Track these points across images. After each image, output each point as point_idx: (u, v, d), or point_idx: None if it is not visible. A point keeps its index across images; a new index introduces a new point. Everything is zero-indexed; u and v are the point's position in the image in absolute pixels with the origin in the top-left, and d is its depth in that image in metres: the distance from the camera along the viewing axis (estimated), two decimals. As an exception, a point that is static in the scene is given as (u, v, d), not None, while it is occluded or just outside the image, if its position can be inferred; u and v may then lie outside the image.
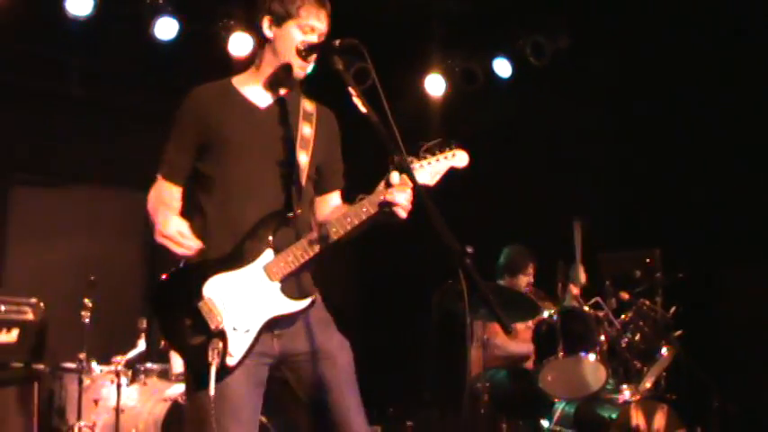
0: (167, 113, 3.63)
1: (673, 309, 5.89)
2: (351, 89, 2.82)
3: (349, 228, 3.30)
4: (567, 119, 8.17)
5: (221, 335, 3.15)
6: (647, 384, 5.62)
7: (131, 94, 8.05)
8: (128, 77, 8.27)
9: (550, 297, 6.48)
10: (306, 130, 3.48)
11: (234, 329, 3.18)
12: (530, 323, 6.06)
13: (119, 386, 6.26)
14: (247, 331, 3.20)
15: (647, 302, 5.79)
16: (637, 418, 5.33)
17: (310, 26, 3.37)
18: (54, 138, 7.98)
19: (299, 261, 3.28)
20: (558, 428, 5.66)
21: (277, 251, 3.27)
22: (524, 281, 6.56)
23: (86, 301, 6.42)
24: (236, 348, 3.17)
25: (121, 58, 8.06)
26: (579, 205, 7.94)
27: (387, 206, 3.23)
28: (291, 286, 3.32)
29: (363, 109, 2.80)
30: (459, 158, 3.53)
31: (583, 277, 6.17)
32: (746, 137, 6.94)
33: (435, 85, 8.87)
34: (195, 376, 3.19)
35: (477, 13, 8.19)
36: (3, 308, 6.04)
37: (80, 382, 6.32)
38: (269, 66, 3.45)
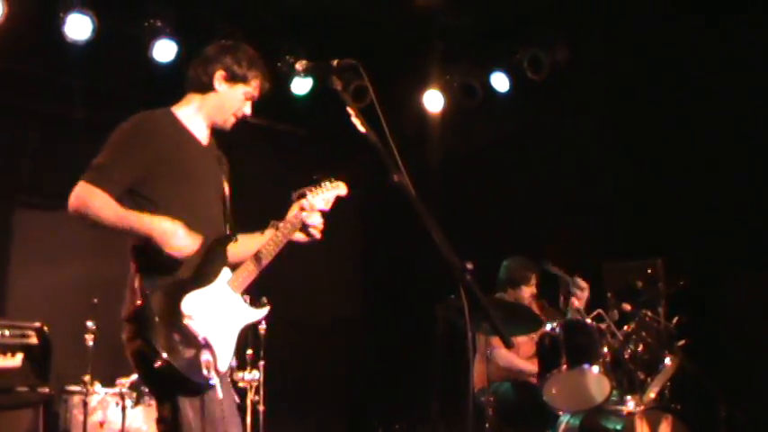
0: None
1: (675, 319, 5.89)
2: (349, 109, 2.85)
3: (281, 246, 3.77)
4: (565, 132, 8.19)
5: (209, 346, 3.33)
6: (652, 395, 5.61)
7: (132, 115, 8.07)
8: (129, 99, 8.29)
9: (557, 307, 6.48)
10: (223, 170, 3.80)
11: (217, 340, 3.38)
12: (533, 336, 6.06)
13: (123, 408, 6.27)
14: (228, 340, 3.47)
15: (650, 313, 5.78)
16: (642, 429, 5.32)
17: (252, 95, 3.74)
18: (56, 159, 7.99)
19: (253, 275, 3.66)
20: (563, 441, 5.65)
21: (232, 268, 3.61)
22: (528, 292, 6.56)
23: (90, 323, 6.44)
24: (223, 357, 3.40)
25: (122, 80, 8.10)
26: (580, 217, 7.97)
27: (306, 228, 3.86)
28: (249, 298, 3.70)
29: (362, 129, 2.83)
30: (341, 188, 4.12)
31: (584, 284, 6.15)
32: (746, 144, 6.95)
33: (434, 100, 8.90)
34: (187, 387, 3.30)
35: (474, 28, 8.23)
36: (6, 332, 6.06)
37: (85, 404, 6.33)
38: (208, 111, 3.70)
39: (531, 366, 6.16)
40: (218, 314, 3.45)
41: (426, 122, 8.99)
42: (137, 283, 3.36)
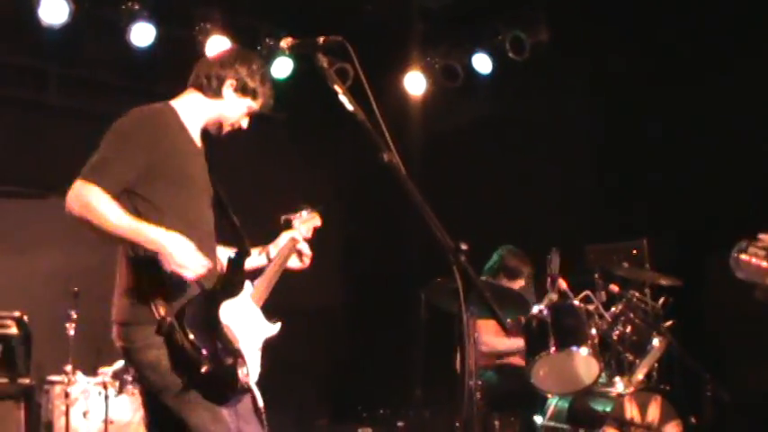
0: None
1: (662, 299, 5.88)
2: (336, 87, 2.77)
3: (283, 268, 3.91)
4: (548, 113, 8.17)
5: (242, 356, 3.33)
6: (640, 376, 5.59)
7: (110, 101, 7.97)
8: (106, 84, 8.20)
9: (538, 293, 6.44)
10: None
11: (247, 350, 3.40)
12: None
13: (107, 397, 6.20)
14: (255, 351, 3.52)
15: (637, 294, 5.77)
16: (631, 411, 5.31)
17: (254, 111, 3.66)
18: (32, 147, 7.89)
19: (269, 289, 3.75)
20: (551, 424, 5.62)
21: (251, 280, 3.65)
22: (518, 285, 6.51)
23: (70, 312, 6.35)
24: (253, 367, 3.44)
25: (99, 65, 7.98)
26: (563, 198, 7.95)
27: (300, 256, 4.04)
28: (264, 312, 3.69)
29: (350, 106, 2.75)
30: (317, 220, 4.24)
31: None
32: (731, 124, 6.94)
33: (415, 82, 8.85)
34: (221, 394, 3.27)
35: (455, 9, 8.17)
36: (-15, 323, 5.98)
37: (67, 395, 6.26)
38: (210, 115, 3.59)
39: (512, 343, 6.10)
40: (247, 325, 3.47)
41: (408, 105, 8.93)
42: (148, 289, 3.22)
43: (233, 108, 3.59)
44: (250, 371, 3.35)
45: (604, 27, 7.62)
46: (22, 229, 7.87)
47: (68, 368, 6.31)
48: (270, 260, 3.90)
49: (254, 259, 3.86)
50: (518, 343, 6.01)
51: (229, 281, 3.42)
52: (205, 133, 3.64)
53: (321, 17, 7.52)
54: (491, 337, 6.17)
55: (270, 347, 7.82)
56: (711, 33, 7.04)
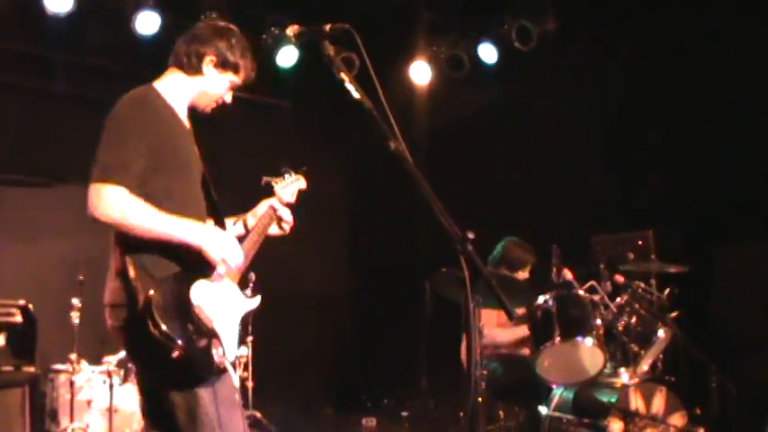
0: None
1: (668, 290, 5.87)
2: (343, 74, 2.75)
3: (261, 241, 3.76)
4: (553, 103, 8.15)
5: (217, 335, 3.27)
6: (645, 367, 5.59)
7: (116, 89, 7.93)
8: (111, 73, 8.18)
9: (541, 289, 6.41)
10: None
11: (224, 329, 3.32)
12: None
13: (111, 386, 6.20)
14: (233, 329, 3.41)
15: (643, 285, 5.75)
16: (636, 401, 5.30)
17: (237, 85, 3.62)
18: (38, 136, 7.88)
19: (248, 261, 3.60)
20: (556, 414, 5.62)
21: None
22: (521, 276, 6.49)
23: (75, 301, 6.36)
24: (231, 345, 3.35)
25: (104, 53, 7.97)
26: (569, 188, 7.93)
27: (280, 222, 3.92)
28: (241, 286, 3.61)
29: (356, 94, 2.74)
30: (302, 182, 4.13)
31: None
32: (737, 114, 6.91)
33: (421, 72, 8.83)
34: (197, 376, 3.24)
35: (461, -2, 8.16)
36: (-10, 311, 5.98)
37: (71, 383, 6.26)
38: (192, 93, 3.57)
39: (512, 332, 6.09)
40: (222, 303, 3.40)
41: (414, 94, 8.92)
42: (132, 272, 3.22)
43: (215, 84, 3.56)
44: (227, 350, 3.30)
45: (611, 16, 7.59)
46: (27, 218, 7.88)
47: (73, 357, 6.31)
48: (248, 230, 3.82)
49: (231, 230, 3.77)
50: (518, 333, 6.00)
51: (203, 259, 3.31)
52: (192, 111, 3.63)
53: (327, 5, 7.48)
54: (491, 328, 6.17)
55: (275, 337, 7.84)
56: (720, 22, 7.01)
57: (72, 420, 6.24)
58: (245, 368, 6.97)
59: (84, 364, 6.42)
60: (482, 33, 8.56)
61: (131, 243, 3.24)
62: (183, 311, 3.21)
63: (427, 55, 8.81)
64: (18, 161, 7.92)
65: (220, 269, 3.31)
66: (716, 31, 7.04)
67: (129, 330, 3.27)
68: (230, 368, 3.31)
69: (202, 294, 3.29)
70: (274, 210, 3.88)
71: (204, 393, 3.23)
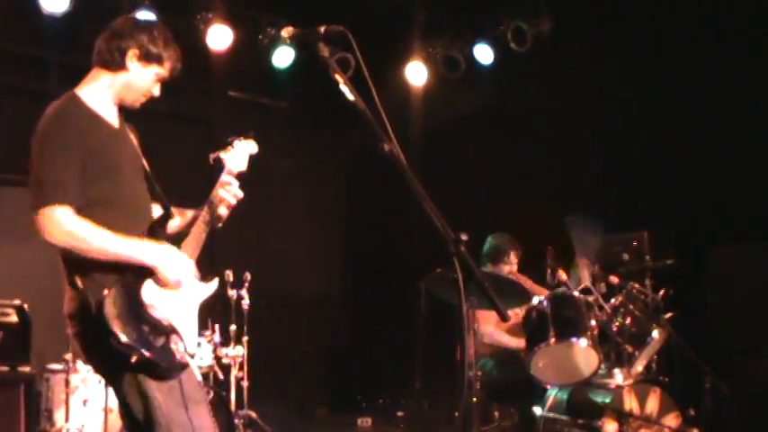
0: (146, 110, 3.63)
1: (662, 291, 5.88)
2: (337, 76, 2.76)
3: (212, 222, 3.64)
4: (549, 103, 8.15)
5: (175, 331, 3.30)
6: (639, 368, 5.60)
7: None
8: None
9: (538, 284, 6.43)
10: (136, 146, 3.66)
11: (181, 323, 3.35)
12: (517, 311, 6.01)
13: (106, 386, 6.18)
14: (191, 321, 3.45)
15: (637, 286, 5.76)
16: (630, 402, 5.31)
17: (164, 77, 3.55)
18: (31, 136, 7.86)
19: (199, 248, 3.55)
20: (550, 415, 5.63)
21: (174, 244, 3.50)
22: (505, 269, 6.50)
23: (71, 300, 6.34)
24: (190, 337, 3.40)
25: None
26: (563, 188, 7.94)
27: (218, 201, 3.65)
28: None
29: (351, 96, 2.75)
30: (253, 145, 3.89)
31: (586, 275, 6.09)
32: (733, 116, 6.93)
33: (417, 73, 8.84)
34: (164, 374, 3.25)
35: (457, -1, 8.17)
36: (-15, 311, 5.97)
37: (67, 383, 6.25)
38: (118, 90, 3.50)
39: (518, 342, 6.12)
40: (176, 297, 3.39)
41: (409, 95, 8.93)
42: (80, 283, 3.26)
43: (140, 77, 3.49)
44: (186, 343, 3.31)
45: (606, 17, 7.60)
46: (22, 218, 7.82)
47: (68, 356, 6.30)
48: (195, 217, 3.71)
49: (180, 220, 3.74)
50: (521, 344, 6.01)
51: None
52: (122, 107, 3.58)
53: (322, 6, 7.50)
54: (493, 329, 6.19)
55: (270, 337, 7.84)
56: (716, 22, 7.02)
57: (67, 420, 6.23)
58: (241, 368, 6.97)
59: (79, 363, 6.40)
60: (478, 34, 8.58)
61: (70, 255, 3.28)
62: (137, 313, 3.22)
63: (423, 56, 8.83)
64: (13, 161, 7.84)
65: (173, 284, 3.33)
66: (712, 32, 7.05)
67: (86, 339, 3.30)
68: (191, 362, 3.33)
69: (153, 293, 3.29)
70: (221, 185, 3.65)
71: (158, 393, 3.23)
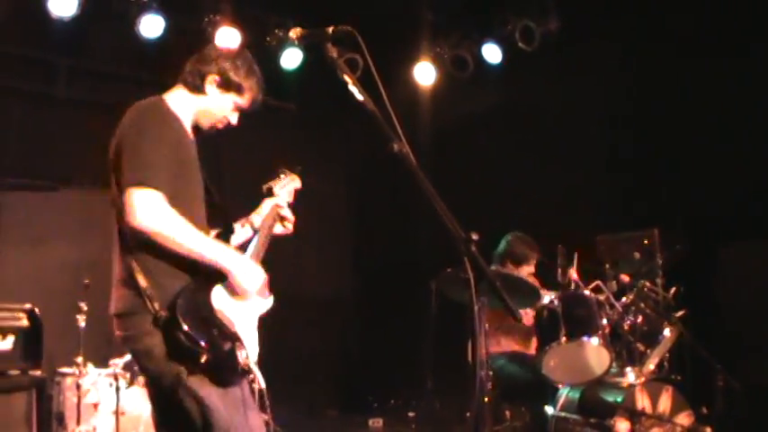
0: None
1: (674, 289, 5.86)
2: (346, 77, 2.76)
3: (269, 242, 3.79)
4: (557, 102, 8.14)
5: (239, 339, 3.29)
6: (651, 366, 5.58)
7: (119, 92, 7.97)
8: (115, 76, 8.19)
9: (547, 286, 6.40)
10: None
11: (244, 332, 3.36)
12: (528, 310, 5.99)
13: (118, 389, 6.20)
14: (252, 331, 3.47)
15: (648, 284, 5.74)
16: (642, 401, 5.29)
17: (242, 107, 3.60)
18: (42, 140, 7.90)
19: (259, 261, 3.60)
20: (562, 414, 5.61)
21: None
22: (526, 271, 6.47)
23: (81, 304, 6.36)
24: (251, 347, 3.39)
25: (108, 57, 7.98)
26: (573, 188, 7.92)
27: (283, 222, 3.93)
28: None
29: (360, 96, 2.74)
30: (297, 181, 4.12)
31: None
32: (743, 113, 6.90)
33: (425, 73, 8.83)
34: (223, 379, 3.25)
35: (465, -2, 8.17)
36: (-3, 315, 5.98)
37: (78, 386, 6.27)
38: (195, 112, 3.56)
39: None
40: (240, 306, 3.42)
41: (418, 95, 8.92)
42: (143, 281, 3.22)
43: (217, 104, 3.56)
44: (249, 352, 3.32)
45: (614, 16, 7.59)
46: (33, 222, 7.89)
47: (79, 360, 6.32)
48: (255, 231, 3.84)
49: (239, 234, 3.82)
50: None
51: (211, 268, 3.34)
52: (196, 130, 3.61)
53: (330, 7, 7.50)
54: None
55: (281, 338, 7.84)
56: (724, 22, 7.00)
57: (79, 423, 6.24)
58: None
59: (90, 367, 6.42)
60: (486, 34, 8.56)
61: (139, 251, 3.25)
62: (207, 316, 3.23)
63: (431, 56, 8.82)
64: (22, 165, 7.94)
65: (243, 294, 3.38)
66: (720, 31, 7.03)
67: (142, 340, 3.24)
68: (255, 369, 3.35)
69: (221, 299, 3.32)
70: (278, 208, 3.90)
71: (217, 399, 3.22)
